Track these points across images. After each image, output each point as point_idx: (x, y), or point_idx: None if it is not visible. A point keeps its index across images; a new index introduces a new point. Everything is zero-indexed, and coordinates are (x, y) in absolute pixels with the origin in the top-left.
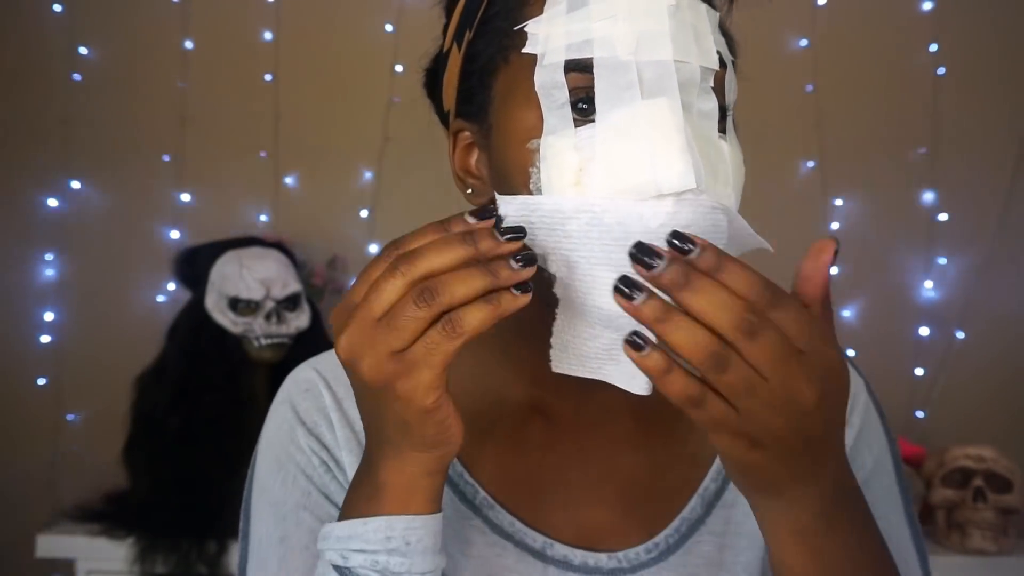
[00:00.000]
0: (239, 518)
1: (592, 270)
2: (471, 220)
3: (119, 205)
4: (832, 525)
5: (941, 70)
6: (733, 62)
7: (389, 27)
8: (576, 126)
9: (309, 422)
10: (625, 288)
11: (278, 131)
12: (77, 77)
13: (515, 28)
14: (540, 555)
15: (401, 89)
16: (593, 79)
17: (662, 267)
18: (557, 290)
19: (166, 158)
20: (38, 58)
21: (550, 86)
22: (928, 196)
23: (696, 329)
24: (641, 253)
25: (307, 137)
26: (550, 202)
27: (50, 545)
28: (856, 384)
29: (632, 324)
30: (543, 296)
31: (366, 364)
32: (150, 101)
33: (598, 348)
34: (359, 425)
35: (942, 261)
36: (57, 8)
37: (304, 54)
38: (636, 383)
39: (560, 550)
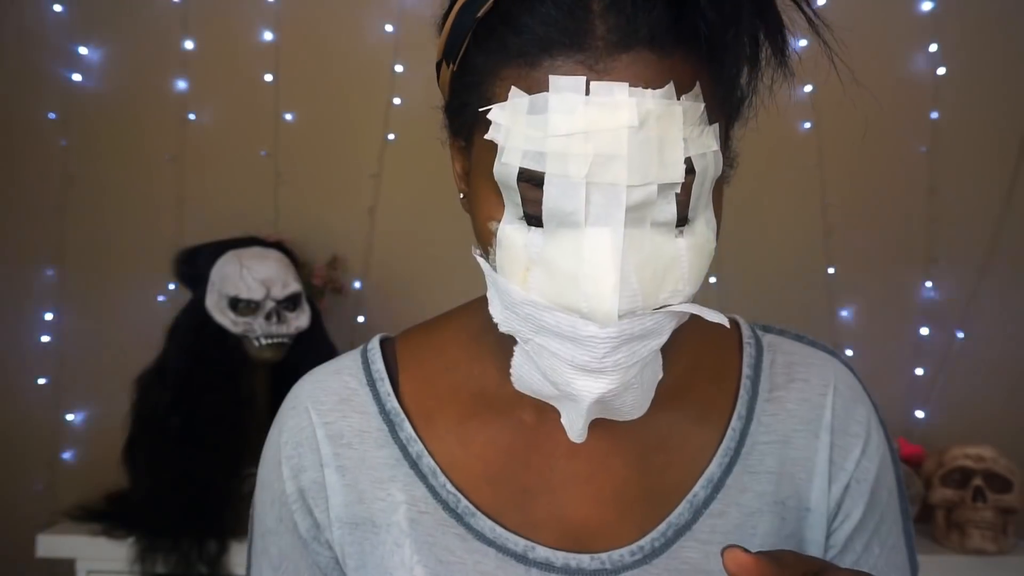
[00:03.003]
0: (239, 519)
1: (540, 337)
2: None
3: (119, 205)
4: None
5: (941, 70)
6: (730, 128)
7: (389, 27)
8: (529, 224)
9: (291, 444)
10: None
11: (278, 131)
12: (77, 77)
13: (480, 110)
14: (522, 558)
15: (401, 89)
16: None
17: None
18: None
19: (167, 158)
20: (38, 58)
21: (505, 183)
22: (928, 196)
23: None
24: None
25: (307, 137)
26: (503, 284)
27: (50, 545)
28: (868, 418)
29: (568, 395)
30: None
31: None
32: (150, 101)
33: (544, 392)
34: (349, 475)
35: (942, 261)
36: (57, 8)
37: (304, 54)
38: (571, 432)
39: (542, 552)
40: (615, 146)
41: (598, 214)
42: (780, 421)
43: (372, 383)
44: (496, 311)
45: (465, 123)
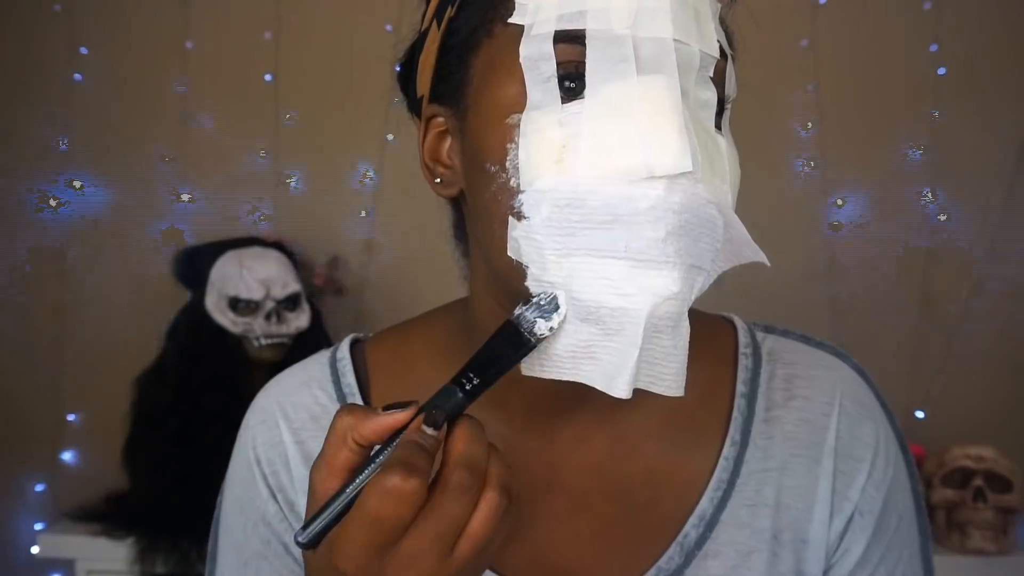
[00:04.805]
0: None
1: (570, 259)
2: (429, 431)
3: (119, 205)
4: None
5: (941, 70)
6: (733, 56)
7: (389, 27)
8: (565, 93)
9: (265, 461)
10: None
11: (278, 131)
12: (77, 77)
13: None
14: None
15: None
16: (584, 52)
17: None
18: (530, 284)
19: (166, 158)
20: (38, 58)
21: (536, 58)
22: (928, 195)
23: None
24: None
25: (307, 137)
26: (527, 181)
27: (50, 545)
28: (876, 436)
29: (615, 317)
30: (512, 301)
31: None
32: (150, 101)
33: (574, 346)
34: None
35: (942, 261)
36: (57, 8)
37: (304, 54)
38: (617, 384)
39: None
40: (659, 1)
41: (649, 64)
42: (777, 445)
43: (343, 399)
44: (511, 247)
45: (462, 62)
